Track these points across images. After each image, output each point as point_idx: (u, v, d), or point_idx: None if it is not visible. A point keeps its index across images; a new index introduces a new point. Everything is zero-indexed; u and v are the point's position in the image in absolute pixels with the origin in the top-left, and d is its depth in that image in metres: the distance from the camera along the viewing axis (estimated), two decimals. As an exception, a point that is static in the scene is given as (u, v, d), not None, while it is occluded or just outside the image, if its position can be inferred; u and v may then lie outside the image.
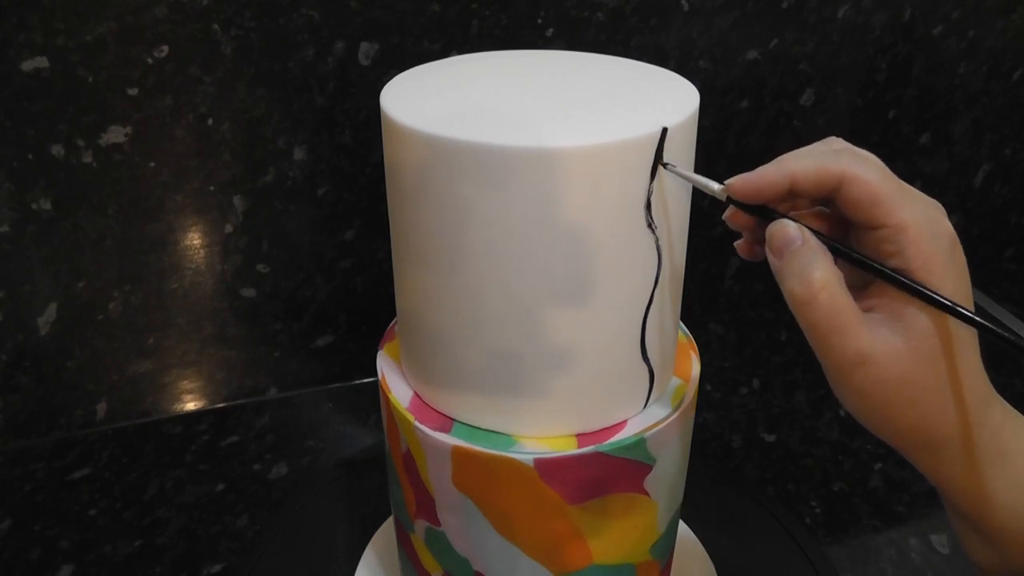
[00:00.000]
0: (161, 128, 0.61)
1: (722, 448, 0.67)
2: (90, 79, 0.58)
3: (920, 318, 0.30)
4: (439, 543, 0.42)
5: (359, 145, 0.65)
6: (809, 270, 0.30)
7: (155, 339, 0.68)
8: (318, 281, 0.70)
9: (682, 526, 0.57)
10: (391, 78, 0.41)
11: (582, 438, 0.38)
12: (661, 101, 0.37)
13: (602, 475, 0.38)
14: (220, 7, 0.58)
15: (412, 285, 0.39)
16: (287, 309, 0.71)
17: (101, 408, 0.69)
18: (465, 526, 0.40)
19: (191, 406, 0.72)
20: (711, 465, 0.65)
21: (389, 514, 0.59)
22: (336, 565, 0.56)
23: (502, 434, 0.39)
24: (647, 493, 0.40)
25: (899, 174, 0.33)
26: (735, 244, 0.36)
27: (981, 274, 0.91)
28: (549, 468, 0.37)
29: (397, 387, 0.42)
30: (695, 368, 0.43)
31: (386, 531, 0.58)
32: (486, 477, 0.38)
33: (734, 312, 0.84)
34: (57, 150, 0.60)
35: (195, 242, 0.66)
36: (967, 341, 0.31)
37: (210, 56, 0.60)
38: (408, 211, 0.37)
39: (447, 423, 0.40)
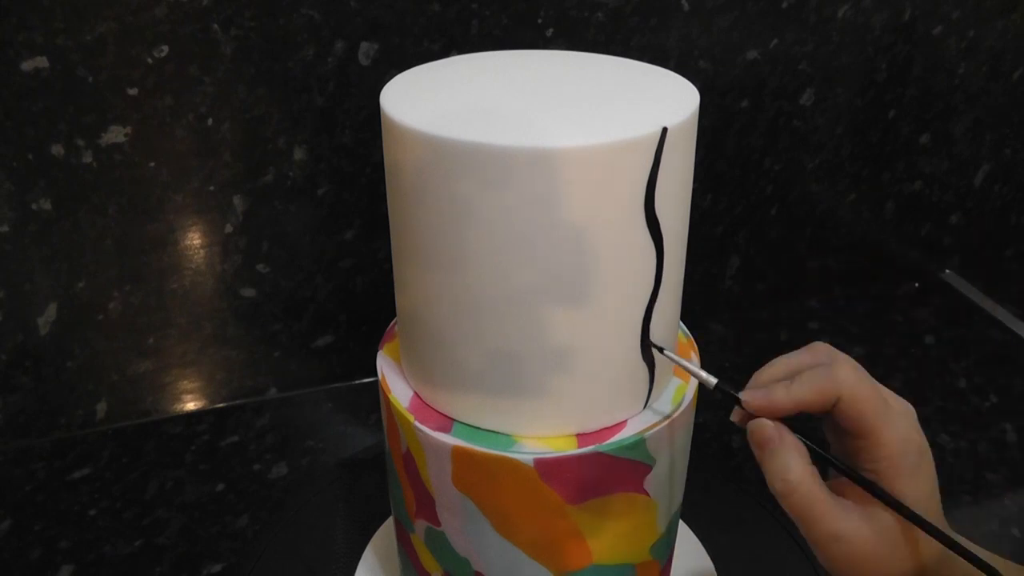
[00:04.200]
0: (161, 128, 0.61)
1: (722, 448, 0.67)
2: (90, 79, 0.58)
3: (884, 513, 0.35)
4: (439, 543, 0.42)
5: (359, 145, 0.65)
6: (787, 469, 0.35)
7: (155, 339, 0.68)
8: (318, 281, 0.70)
9: (682, 526, 0.57)
10: (391, 78, 0.41)
11: (582, 438, 0.38)
12: (661, 101, 0.37)
13: (602, 475, 0.38)
14: (220, 7, 0.58)
15: (412, 285, 0.39)
16: (287, 309, 0.71)
17: (101, 408, 0.69)
18: (465, 526, 0.40)
19: (191, 406, 0.72)
20: (711, 465, 0.65)
21: (389, 514, 0.59)
22: (336, 565, 0.56)
23: (502, 434, 0.39)
24: (647, 493, 0.40)
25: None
26: (732, 416, 0.38)
27: (981, 274, 0.91)
28: (549, 468, 0.37)
29: (397, 387, 0.42)
30: (693, 362, 0.43)
31: (386, 531, 0.58)
32: (486, 477, 0.38)
33: (734, 312, 0.84)
34: (57, 150, 0.60)
35: (195, 242, 0.66)
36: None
37: (210, 56, 0.60)
38: (408, 211, 0.37)
39: (447, 423, 0.40)
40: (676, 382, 0.42)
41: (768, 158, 0.77)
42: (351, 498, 0.62)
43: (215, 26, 0.59)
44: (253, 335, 0.71)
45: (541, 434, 0.38)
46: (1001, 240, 0.92)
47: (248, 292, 0.69)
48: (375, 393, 0.74)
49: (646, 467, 0.39)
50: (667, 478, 0.41)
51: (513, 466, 0.37)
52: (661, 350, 0.38)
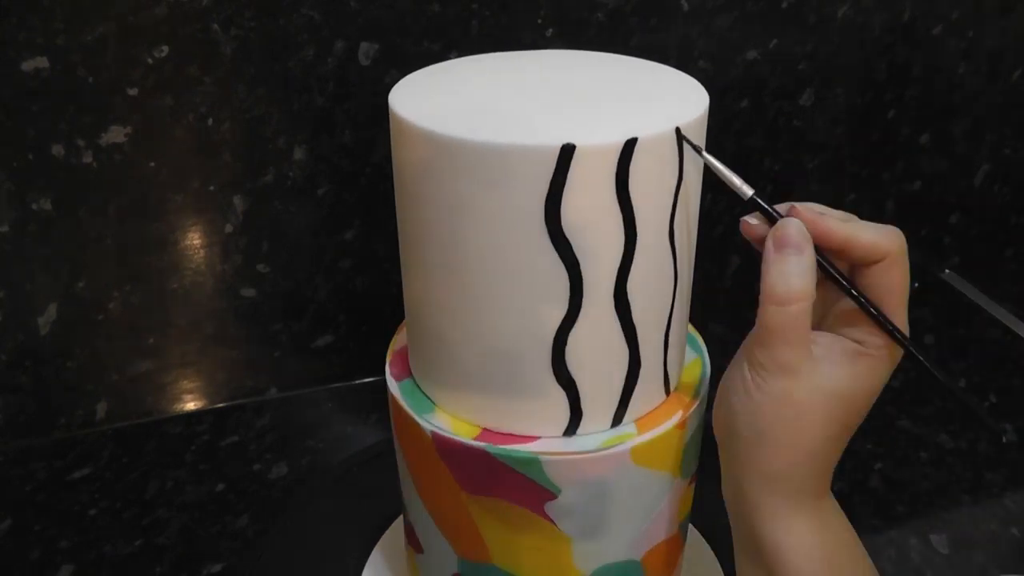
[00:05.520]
0: (161, 128, 0.61)
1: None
2: (90, 79, 0.58)
3: (847, 383, 0.34)
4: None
5: (359, 145, 0.65)
6: (796, 278, 0.33)
7: (155, 339, 0.68)
8: (318, 281, 0.70)
9: (694, 532, 0.56)
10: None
11: (486, 433, 0.39)
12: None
13: (492, 475, 0.38)
14: (220, 7, 0.58)
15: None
16: (287, 309, 0.71)
17: (101, 408, 0.69)
18: (403, 484, 0.44)
19: (191, 406, 0.72)
20: (712, 465, 0.65)
21: (394, 515, 0.59)
22: (336, 565, 0.56)
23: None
24: (552, 521, 0.39)
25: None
26: (742, 219, 0.36)
27: (981, 274, 0.91)
28: (443, 445, 0.39)
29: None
30: (671, 420, 0.40)
31: (393, 533, 0.58)
32: (409, 439, 0.41)
33: (734, 312, 0.84)
34: (57, 150, 0.60)
35: (195, 242, 0.66)
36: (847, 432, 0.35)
37: (210, 56, 0.60)
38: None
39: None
40: (630, 432, 0.39)
41: (768, 158, 0.77)
42: (351, 498, 0.62)
43: (215, 26, 0.59)
44: (253, 335, 0.71)
45: (469, 420, 0.39)
46: (1001, 240, 0.92)
47: (248, 292, 0.69)
48: (375, 393, 0.74)
49: (548, 492, 0.38)
50: (584, 517, 0.39)
51: (419, 434, 0.40)
52: (699, 150, 0.35)
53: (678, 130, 0.34)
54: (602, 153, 0.32)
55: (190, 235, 0.65)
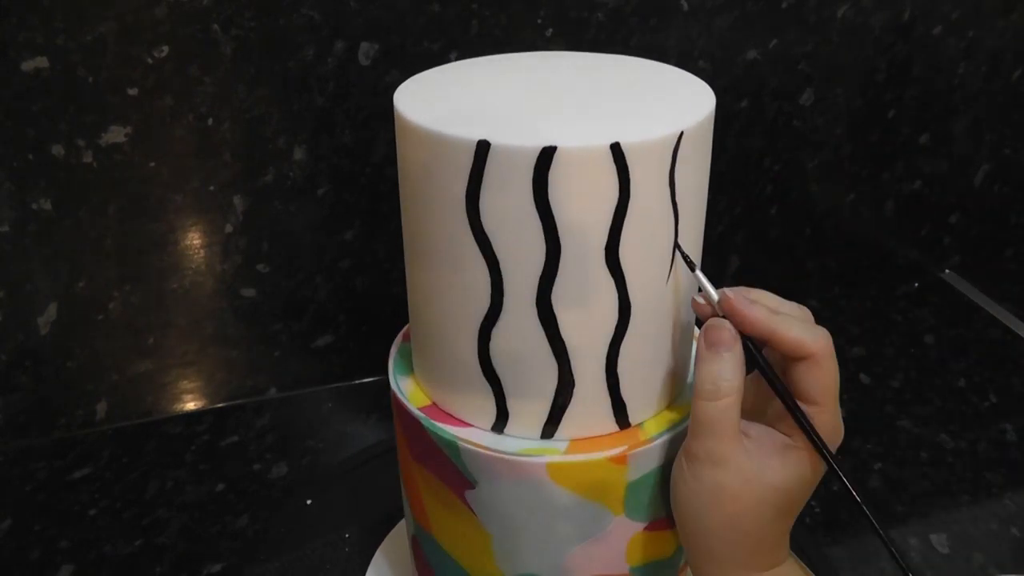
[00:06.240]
0: (161, 128, 0.61)
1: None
2: (90, 79, 0.58)
3: (777, 473, 0.35)
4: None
5: (359, 145, 0.65)
6: (725, 376, 0.35)
7: (155, 339, 0.68)
8: (318, 281, 0.70)
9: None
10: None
11: (427, 408, 0.41)
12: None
13: (427, 447, 0.40)
14: (220, 7, 0.58)
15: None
16: (287, 309, 0.71)
17: (101, 408, 0.69)
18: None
19: (191, 406, 0.72)
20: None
21: (394, 515, 0.59)
22: (336, 565, 0.56)
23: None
24: (472, 510, 0.39)
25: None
26: (692, 304, 0.38)
27: (981, 274, 0.91)
28: (397, 407, 0.42)
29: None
30: (606, 452, 0.38)
31: (397, 535, 0.58)
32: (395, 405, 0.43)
33: (734, 312, 0.84)
34: (57, 150, 0.60)
35: (195, 242, 0.66)
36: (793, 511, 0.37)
37: (210, 56, 0.60)
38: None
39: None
40: (556, 448, 0.38)
41: (768, 158, 0.77)
42: (351, 498, 0.62)
43: (215, 26, 0.59)
44: (253, 335, 0.71)
45: (428, 394, 0.42)
46: (1001, 240, 0.92)
47: (248, 292, 0.69)
48: (375, 393, 0.74)
49: (467, 481, 0.39)
50: (503, 519, 0.39)
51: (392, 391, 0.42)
52: (686, 258, 0.37)
53: (616, 145, 0.32)
54: (516, 156, 0.32)
55: (190, 235, 0.65)
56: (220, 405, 0.72)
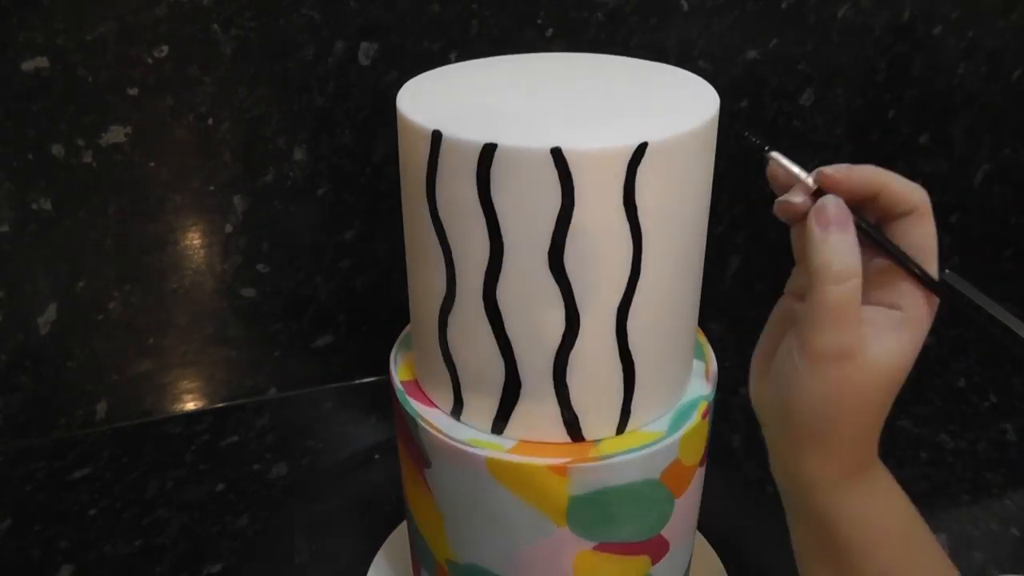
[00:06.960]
0: (161, 128, 0.61)
1: (722, 448, 0.67)
2: (90, 79, 0.58)
3: (896, 353, 0.34)
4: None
5: (359, 145, 0.65)
6: (851, 256, 0.32)
7: (155, 339, 0.68)
8: (318, 281, 0.70)
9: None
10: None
11: (411, 384, 0.42)
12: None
13: (400, 418, 0.41)
14: (220, 7, 0.58)
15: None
16: (287, 309, 0.71)
17: (101, 408, 0.69)
18: None
19: (191, 406, 0.72)
20: (712, 465, 0.65)
21: (394, 516, 0.59)
22: (337, 565, 0.56)
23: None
24: (429, 489, 0.41)
25: (899, 174, 0.34)
26: (782, 199, 0.36)
27: (981, 274, 0.91)
28: (390, 377, 0.43)
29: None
30: (547, 460, 0.37)
31: (397, 535, 0.58)
32: None
33: (734, 312, 0.84)
34: (57, 150, 0.60)
35: (195, 242, 0.66)
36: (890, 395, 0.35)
37: (210, 56, 0.60)
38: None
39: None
40: (500, 445, 0.38)
41: (767, 158, 0.77)
42: (351, 498, 0.62)
43: (215, 26, 0.59)
44: (253, 335, 0.71)
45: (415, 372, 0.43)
46: (1001, 240, 0.92)
47: (248, 292, 0.69)
48: (375, 393, 0.74)
49: (423, 458, 0.40)
50: (454, 504, 0.40)
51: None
52: (767, 149, 0.36)
53: (557, 150, 0.31)
54: (464, 149, 0.33)
55: (190, 235, 0.65)
56: (220, 405, 0.72)
